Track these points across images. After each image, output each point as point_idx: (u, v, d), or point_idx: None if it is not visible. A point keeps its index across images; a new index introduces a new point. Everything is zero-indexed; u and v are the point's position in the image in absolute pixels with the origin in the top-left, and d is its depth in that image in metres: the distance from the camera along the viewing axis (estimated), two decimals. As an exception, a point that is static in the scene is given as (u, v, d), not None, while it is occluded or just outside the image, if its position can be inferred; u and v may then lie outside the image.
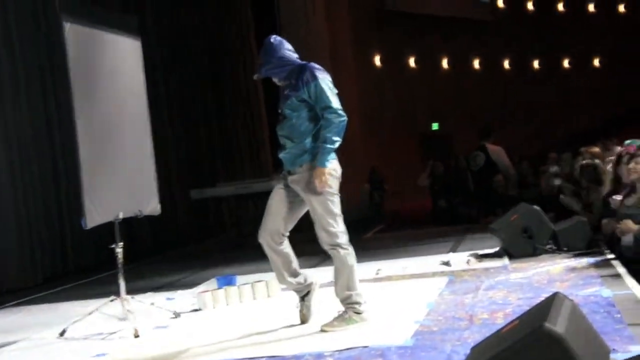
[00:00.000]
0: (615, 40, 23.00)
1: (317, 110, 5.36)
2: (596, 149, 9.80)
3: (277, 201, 5.50)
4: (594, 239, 7.79)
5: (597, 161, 8.88)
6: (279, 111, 5.56)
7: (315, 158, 5.33)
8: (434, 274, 7.35)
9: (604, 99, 22.20)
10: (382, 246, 10.44)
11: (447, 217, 13.16)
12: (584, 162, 9.14)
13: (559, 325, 3.10)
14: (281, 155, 5.52)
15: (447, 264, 7.77)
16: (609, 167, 8.69)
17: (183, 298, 7.61)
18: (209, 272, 9.36)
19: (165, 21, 14.44)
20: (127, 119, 7.24)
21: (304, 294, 5.65)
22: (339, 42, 17.39)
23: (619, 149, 8.46)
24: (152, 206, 7.43)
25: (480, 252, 8.30)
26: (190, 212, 14.28)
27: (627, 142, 8.45)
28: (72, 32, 6.57)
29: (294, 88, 5.40)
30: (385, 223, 14.36)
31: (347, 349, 4.76)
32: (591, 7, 23.89)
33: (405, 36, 20.16)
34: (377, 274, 7.70)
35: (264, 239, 5.49)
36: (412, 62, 20.62)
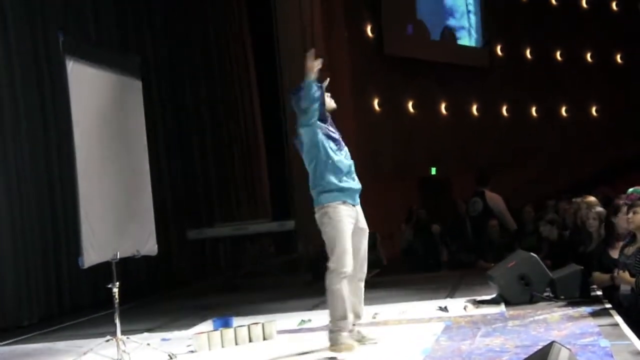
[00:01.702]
0: (612, 90, 23.17)
1: None
2: (592, 198, 9.78)
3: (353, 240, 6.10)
4: (592, 287, 7.78)
5: (599, 209, 8.83)
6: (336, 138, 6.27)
7: None
8: (430, 320, 7.33)
9: (601, 147, 22.27)
10: (379, 289, 10.39)
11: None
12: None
13: (557, 374, 3.10)
14: (358, 185, 6.35)
15: (444, 309, 7.75)
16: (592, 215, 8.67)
17: (179, 339, 7.56)
18: (205, 313, 9.31)
19: (163, 63, 14.51)
20: (126, 159, 7.27)
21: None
22: (337, 85, 17.44)
23: (623, 197, 8.41)
24: (149, 246, 7.43)
25: (478, 298, 8.28)
26: (186, 253, 14.24)
27: (631, 190, 8.44)
28: (75, 70, 6.62)
29: (333, 125, 6.33)
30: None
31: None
32: (588, 57, 24.11)
33: (404, 81, 20.25)
34: (374, 317, 7.67)
35: (355, 273, 6.14)
36: (410, 106, 20.70)
